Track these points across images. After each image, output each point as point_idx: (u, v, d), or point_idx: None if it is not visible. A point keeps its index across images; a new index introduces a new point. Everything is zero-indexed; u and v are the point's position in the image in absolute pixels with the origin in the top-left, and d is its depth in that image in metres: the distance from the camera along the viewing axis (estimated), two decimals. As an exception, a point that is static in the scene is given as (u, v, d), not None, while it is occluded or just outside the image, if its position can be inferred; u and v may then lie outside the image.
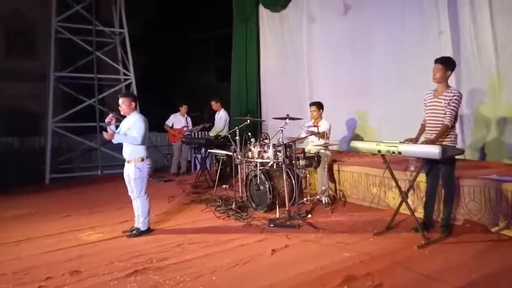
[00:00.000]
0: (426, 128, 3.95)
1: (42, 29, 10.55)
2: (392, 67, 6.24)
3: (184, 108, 8.42)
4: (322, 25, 7.63)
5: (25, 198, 6.60)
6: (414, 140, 3.93)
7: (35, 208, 5.79)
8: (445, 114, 3.70)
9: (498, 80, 4.98)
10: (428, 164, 3.90)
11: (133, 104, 4.30)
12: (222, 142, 7.15)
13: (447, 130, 3.71)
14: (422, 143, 3.76)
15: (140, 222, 4.33)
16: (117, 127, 4.38)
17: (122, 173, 4.35)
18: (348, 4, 7.02)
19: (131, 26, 10.69)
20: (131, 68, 10.45)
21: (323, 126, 5.49)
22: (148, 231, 4.36)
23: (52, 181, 8.57)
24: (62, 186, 7.79)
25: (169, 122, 8.37)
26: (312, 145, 5.60)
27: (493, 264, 3.15)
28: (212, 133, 7.98)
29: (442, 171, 3.86)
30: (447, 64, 3.78)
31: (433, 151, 3.32)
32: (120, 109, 4.31)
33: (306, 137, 5.50)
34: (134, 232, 4.30)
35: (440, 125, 3.74)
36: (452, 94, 3.70)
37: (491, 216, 3.92)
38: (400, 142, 3.66)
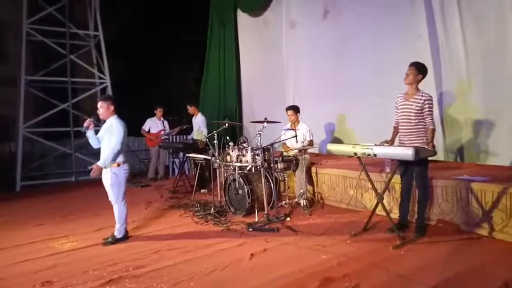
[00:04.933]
0: (400, 130, 4.05)
1: (13, 31, 10.20)
2: (371, 71, 6.33)
3: (159, 111, 8.28)
4: (302, 30, 7.68)
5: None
6: (390, 142, 4.02)
7: (6, 217, 5.57)
8: (424, 119, 3.85)
9: (468, 83, 5.15)
10: (402, 165, 3.99)
11: (111, 107, 4.21)
12: (200, 146, 7.10)
13: (434, 132, 3.85)
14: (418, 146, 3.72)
15: (116, 229, 4.23)
16: (96, 132, 4.29)
17: (97, 180, 4.25)
18: (327, 9, 7.10)
19: (107, 30, 10.47)
20: (107, 72, 10.23)
21: (302, 129, 5.53)
22: (125, 238, 4.27)
23: (24, 188, 8.27)
24: (35, 194, 7.52)
25: (145, 127, 8.22)
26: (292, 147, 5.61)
27: (466, 262, 3.24)
28: (195, 137, 7.86)
29: (416, 171, 3.96)
30: (419, 68, 3.92)
31: (407, 152, 3.40)
32: (98, 113, 4.23)
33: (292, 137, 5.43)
34: (110, 239, 4.20)
35: (412, 127, 3.90)
36: (425, 98, 3.84)
37: (462, 216, 4.04)
38: (376, 145, 3.73)
